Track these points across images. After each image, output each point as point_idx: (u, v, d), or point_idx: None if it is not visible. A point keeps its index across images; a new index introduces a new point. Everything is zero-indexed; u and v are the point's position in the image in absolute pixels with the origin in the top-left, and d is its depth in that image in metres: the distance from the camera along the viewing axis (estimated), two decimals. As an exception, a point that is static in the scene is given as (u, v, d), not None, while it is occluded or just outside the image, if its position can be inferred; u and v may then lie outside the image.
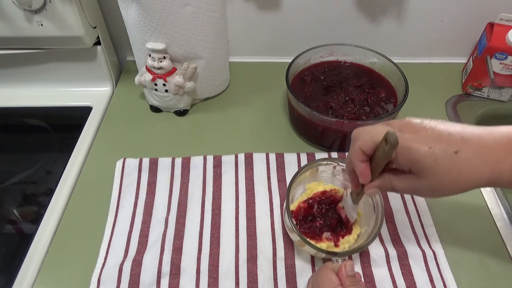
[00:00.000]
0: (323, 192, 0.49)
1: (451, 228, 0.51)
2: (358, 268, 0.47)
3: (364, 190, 0.40)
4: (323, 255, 0.46)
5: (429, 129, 0.34)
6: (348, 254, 0.43)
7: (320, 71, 0.65)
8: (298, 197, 0.50)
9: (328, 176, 0.51)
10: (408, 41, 0.75)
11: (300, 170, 0.47)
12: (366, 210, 0.48)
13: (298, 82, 0.64)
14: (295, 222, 0.47)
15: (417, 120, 0.36)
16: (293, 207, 0.49)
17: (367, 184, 0.39)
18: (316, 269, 0.47)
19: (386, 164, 0.37)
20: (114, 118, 0.67)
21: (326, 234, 0.47)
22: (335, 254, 0.42)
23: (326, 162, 0.49)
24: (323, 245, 0.46)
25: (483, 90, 0.68)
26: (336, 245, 0.46)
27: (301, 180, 0.49)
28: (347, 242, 0.46)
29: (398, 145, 0.32)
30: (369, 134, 0.36)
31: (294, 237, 0.46)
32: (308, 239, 0.46)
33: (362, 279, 0.46)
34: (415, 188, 0.36)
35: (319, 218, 0.48)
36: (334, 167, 0.49)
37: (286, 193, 0.46)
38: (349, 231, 0.47)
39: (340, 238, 0.47)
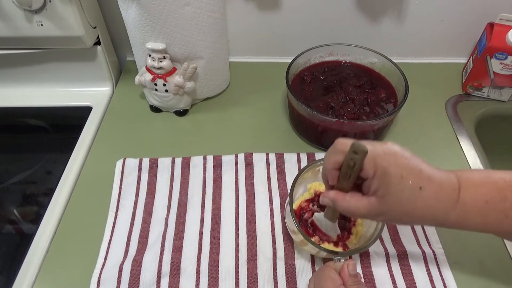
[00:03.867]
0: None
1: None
2: (358, 268, 0.47)
3: (320, 196, 0.40)
4: (324, 254, 0.46)
5: (406, 158, 0.36)
6: (350, 254, 0.43)
7: (320, 71, 0.65)
8: (299, 197, 0.50)
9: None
10: (408, 41, 0.75)
11: (303, 169, 0.47)
12: None
13: (298, 82, 0.64)
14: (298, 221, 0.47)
15: (398, 148, 0.37)
16: (294, 206, 0.49)
17: (324, 192, 0.40)
18: (316, 269, 0.47)
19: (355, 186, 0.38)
20: (114, 118, 0.67)
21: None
22: (336, 253, 0.42)
23: None
24: (325, 245, 0.46)
25: (483, 90, 0.68)
26: (337, 246, 0.46)
27: (302, 180, 0.49)
28: (348, 243, 0.46)
29: (365, 152, 0.34)
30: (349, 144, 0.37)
31: (296, 237, 0.46)
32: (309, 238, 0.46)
33: (362, 279, 0.46)
34: (374, 210, 0.37)
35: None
36: None
37: (289, 193, 0.46)
38: (349, 232, 0.47)
39: (342, 238, 0.47)
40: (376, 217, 0.39)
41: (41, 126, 0.69)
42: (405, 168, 0.36)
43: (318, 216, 0.45)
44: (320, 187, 0.50)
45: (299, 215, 0.48)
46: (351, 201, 0.38)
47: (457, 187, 0.37)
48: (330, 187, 0.40)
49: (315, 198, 0.49)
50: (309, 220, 0.48)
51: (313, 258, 0.48)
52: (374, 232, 0.44)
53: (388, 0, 0.68)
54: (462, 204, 0.36)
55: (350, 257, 0.48)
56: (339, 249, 0.46)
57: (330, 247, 0.46)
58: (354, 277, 0.38)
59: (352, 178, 0.37)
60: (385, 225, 0.44)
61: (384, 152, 0.36)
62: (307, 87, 0.62)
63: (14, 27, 0.60)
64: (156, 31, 0.57)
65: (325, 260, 0.47)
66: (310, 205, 0.49)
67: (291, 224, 0.45)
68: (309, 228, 0.47)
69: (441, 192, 0.36)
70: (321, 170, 0.49)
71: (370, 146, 0.37)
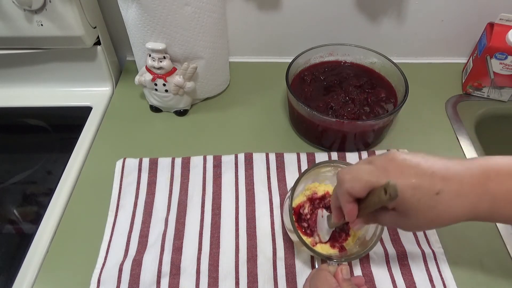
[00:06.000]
0: (324, 196, 0.49)
1: (451, 228, 0.50)
2: (357, 268, 0.47)
3: (350, 225, 0.41)
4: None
5: (413, 167, 0.35)
6: (345, 261, 0.43)
7: (320, 71, 0.65)
8: (299, 195, 0.50)
9: (330, 175, 0.50)
10: (408, 41, 0.75)
11: (305, 172, 0.47)
12: None
13: (298, 82, 0.64)
14: (295, 219, 0.47)
15: (400, 156, 0.36)
16: (293, 204, 0.49)
17: (353, 221, 0.39)
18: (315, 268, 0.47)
19: None
20: (114, 118, 0.67)
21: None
22: (331, 258, 0.43)
23: (333, 164, 0.48)
24: (322, 246, 0.46)
25: (483, 90, 0.68)
26: (333, 247, 0.46)
27: (303, 179, 0.49)
28: (346, 245, 0.47)
29: (397, 197, 0.32)
30: (355, 177, 0.36)
31: (293, 236, 0.46)
32: (307, 237, 0.46)
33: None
34: (400, 225, 0.38)
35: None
36: (338, 169, 0.49)
37: (289, 196, 0.45)
38: (347, 233, 0.47)
39: (340, 239, 0.47)
40: (405, 228, 0.38)
41: (41, 126, 0.69)
42: (414, 176, 0.34)
43: (323, 214, 0.45)
44: (319, 187, 0.50)
45: (298, 213, 0.48)
46: (380, 220, 0.38)
47: (481, 178, 0.35)
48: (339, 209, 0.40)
49: (313, 199, 0.49)
50: (308, 216, 0.48)
51: (312, 258, 0.48)
52: (373, 237, 0.44)
53: (388, 0, 0.68)
54: (491, 196, 0.34)
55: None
56: (335, 250, 0.46)
57: (326, 248, 0.46)
58: (348, 281, 0.39)
59: (372, 210, 0.37)
60: (383, 228, 0.44)
61: (385, 167, 0.35)
62: (307, 87, 0.62)
63: (14, 27, 0.60)
64: (156, 31, 0.57)
65: (323, 261, 0.48)
66: (308, 205, 0.49)
67: (289, 223, 0.45)
68: (307, 229, 0.48)
69: (462, 190, 0.34)
70: (321, 172, 0.50)
71: (368, 165, 0.36)
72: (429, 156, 0.36)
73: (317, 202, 0.49)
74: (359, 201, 0.37)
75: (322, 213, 0.46)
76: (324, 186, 0.50)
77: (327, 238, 0.46)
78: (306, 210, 0.49)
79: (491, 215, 0.35)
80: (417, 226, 0.37)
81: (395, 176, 0.34)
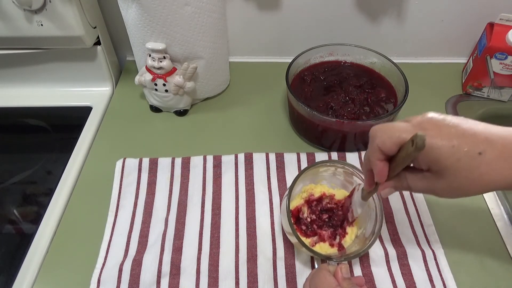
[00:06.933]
0: (321, 197, 0.49)
1: (451, 228, 0.51)
2: (357, 268, 0.47)
3: (379, 190, 0.39)
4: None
5: (452, 126, 0.33)
6: (345, 260, 0.43)
7: (320, 71, 0.65)
8: (296, 197, 0.50)
9: (328, 175, 0.51)
10: (408, 41, 0.75)
11: (303, 171, 0.47)
12: (364, 213, 0.48)
13: (298, 82, 0.64)
14: (293, 221, 0.47)
15: (439, 116, 0.34)
16: (291, 207, 0.49)
17: (382, 183, 0.38)
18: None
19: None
20: (114, 118, 0.67)
21: (324, 234, 0.47)
22: (330, 258, 0.43)
23: (332, 164, 0.48)
24: (321, 246, 0.46)
25: (483, 90, 0.68)
26: (332, 245, 0.46)
27: (301, 179, 0.49)
28: (344, 243, 0.47)
29: (424, 148, 0.31)
30: (387, 133, 0.35)
31: (292, 239, 0.46)
32: (305, 238, 0.46)
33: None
34: (433, 188, 0.35)
35: (316, 220, 0.48)
36: (336, 168, 0.49)
37: (287, 195, 0.45)
38: (345, 231, 0.47)
39: (338, 237, 0.47)
40: (439, 192, 0.35)
41: (41, 126, 0.69)
42: (454, 135, 0.32)
43: (359, 187, 0.45)
44: (315, 189, 0.50)
45: (296, 216, 0.48)
46: (411, 184, 0.36)
47: None
48: (372, 174, 0.38)
49: (311, 200, 0.49)
50: (309, 220, 0.48)
51: (312, 258, 0.48)
52: (371, 235, 0.44)
53: (388, 0, 0.68)
54: None
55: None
56: (334, 249, 0.46)
57: (325, 247, 0.46)
58: (348, 280, 0.39)
59: (402, 167, 0.35)
60: (383, 224, 0.44)
61: (422, 125, 0.34)
62: (307, 87, 0.62)
63: (14, 27, 0.60)
64: (156, 31, 0.57)
65: (323, 260, 0.48)
66: (309, 208, 0.49)
67: (287, 225, 0.45)
68: (308, 229, 0.48)
69: (506, 150, 0.32)
70: (319, 172, 0.50)
71: (405, 123, 0.35)
72: (469, 119, 0.34)
73: (314, 204, 0.49)
74: (390, 161, 0.36)
75: (359, 187, 0.45)
76: (321, 187, 0.50)
77: (359, 212, 0.45)
78: (305, 214, 0.49)
79: None
80: (453, 188, 0.34)
81: (432, 134, 0.32)
